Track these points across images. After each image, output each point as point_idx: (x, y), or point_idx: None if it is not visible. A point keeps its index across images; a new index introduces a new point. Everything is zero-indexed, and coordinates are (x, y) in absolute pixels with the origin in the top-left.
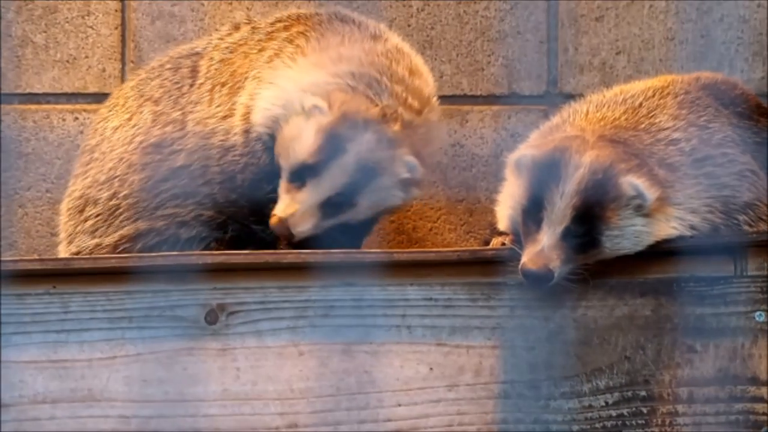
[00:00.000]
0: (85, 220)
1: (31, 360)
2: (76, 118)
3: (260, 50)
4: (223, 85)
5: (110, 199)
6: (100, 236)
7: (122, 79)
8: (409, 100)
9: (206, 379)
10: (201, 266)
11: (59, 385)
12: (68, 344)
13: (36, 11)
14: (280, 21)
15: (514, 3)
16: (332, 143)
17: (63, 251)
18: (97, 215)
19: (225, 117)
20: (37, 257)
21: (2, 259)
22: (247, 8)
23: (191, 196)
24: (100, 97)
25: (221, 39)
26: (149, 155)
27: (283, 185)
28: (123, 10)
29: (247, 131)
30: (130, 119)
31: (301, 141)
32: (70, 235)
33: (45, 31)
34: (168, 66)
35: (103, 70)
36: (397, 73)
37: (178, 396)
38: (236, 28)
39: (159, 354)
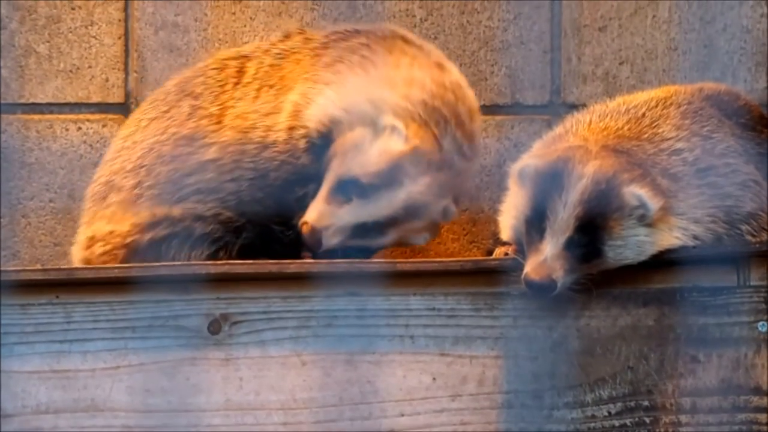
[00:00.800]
0: (107, 207)
1: (34, 370)
2: (80, 128)
3: (315, 56)
4: (271, 86)
5: (134, 187)
6: (116, 223)
7: (125, 89)
8: (464, 147)
9: (209, 389)
10: (204, 276)
11: (62, 395)
12: (71, 354)
13: (39, 21)
14: (336, 33)
15: (518, 13)
16: (394, 173)
17: (81, 234)
18: (119, 203)
19: (268, 114)
20: (40, 267)
21: (5, 269)
22: (251, 18)
23: (215, 192)
24: (103, 107)
25: (272, 45)
26: (180, 147)
27: (324, 193)
28: (126, 20)
29: (291, 128)
30: (167, 111)
31: (362, 156)
32: (90, 220)
33: (48, 41)
34: (213, 66)
35: (107, 80)
36: (461, 115)
37: (181, 406)
38: (287, 36)
39: (162, 364)
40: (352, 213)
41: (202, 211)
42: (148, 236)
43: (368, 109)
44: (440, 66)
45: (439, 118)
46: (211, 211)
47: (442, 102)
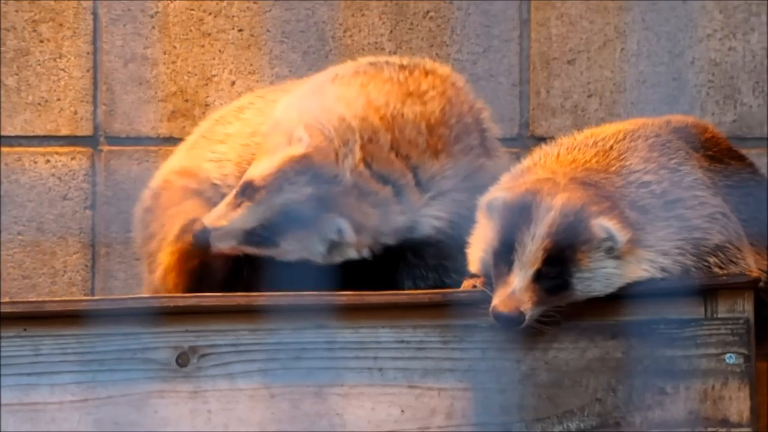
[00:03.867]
0: None
1: (2, 403)
2: (48, 161)
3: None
4: None
5: None
6: None
7: (94, 122)
8: (382, 171)
9: (177, 421)
10: (172, 309)
11: (31, 428)
12: (39, 387)
13: (8, 54)
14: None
15: (487, 46)
16: (278, 177)
17: None
18: None
19: None
20: (8, 300)
21: None
22: (219, 51)
23: None
24: (72, 140)
25: None
26: None
27: (231, 195)
28: (95, 53)
29: None
30: None
31: (267, 162)
32: None
33: (17, 74)
34: None
35: (75, 113)
36: (383, 141)
37: None
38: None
39: (130, 397)
40: (242, 217)
41: None
42: None
43: (293, 118)
44: (411, 96)
45: (349, 137)
46: None
47: (362, 122)
